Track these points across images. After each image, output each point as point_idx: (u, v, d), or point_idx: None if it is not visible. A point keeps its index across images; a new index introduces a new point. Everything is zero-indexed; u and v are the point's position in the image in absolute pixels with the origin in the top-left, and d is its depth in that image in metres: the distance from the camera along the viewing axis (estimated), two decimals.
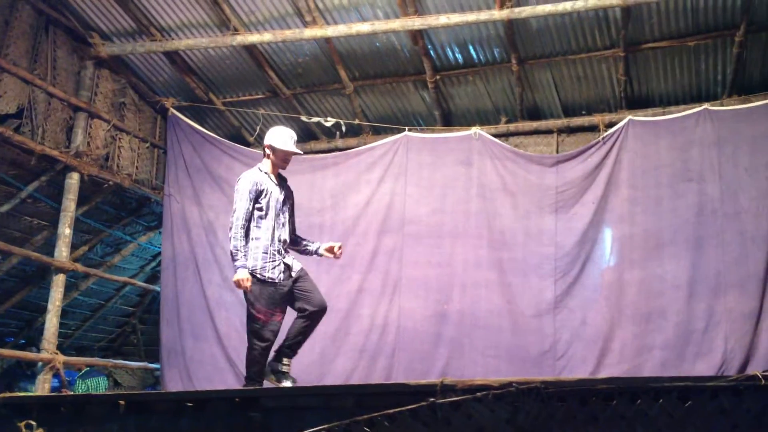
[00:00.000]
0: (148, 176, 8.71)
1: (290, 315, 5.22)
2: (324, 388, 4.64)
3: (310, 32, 7.37)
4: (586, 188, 7.43)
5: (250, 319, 5.07)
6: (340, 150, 8.50)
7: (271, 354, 5.12)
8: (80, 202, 7.88)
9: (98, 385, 8.70)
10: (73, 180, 7.63)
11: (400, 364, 7.43)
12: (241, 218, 5.06)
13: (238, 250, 5.01)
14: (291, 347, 5.13)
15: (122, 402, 3.84)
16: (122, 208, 8.96)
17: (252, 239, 5.11)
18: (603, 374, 6.80)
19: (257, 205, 5.13)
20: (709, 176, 7.09)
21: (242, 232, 5.04)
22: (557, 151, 8.02)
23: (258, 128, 8.82)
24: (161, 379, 8.20)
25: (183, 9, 7.50)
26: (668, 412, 2.98)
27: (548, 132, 8.21)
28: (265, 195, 5.16)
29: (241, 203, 5.09)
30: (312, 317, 5.15)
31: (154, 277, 10.15)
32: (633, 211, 7.25)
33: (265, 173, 5.27)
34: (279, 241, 5.19)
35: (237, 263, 5.00)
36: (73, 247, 8.01)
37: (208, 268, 8.13)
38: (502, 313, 7.34)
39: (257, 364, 5.04)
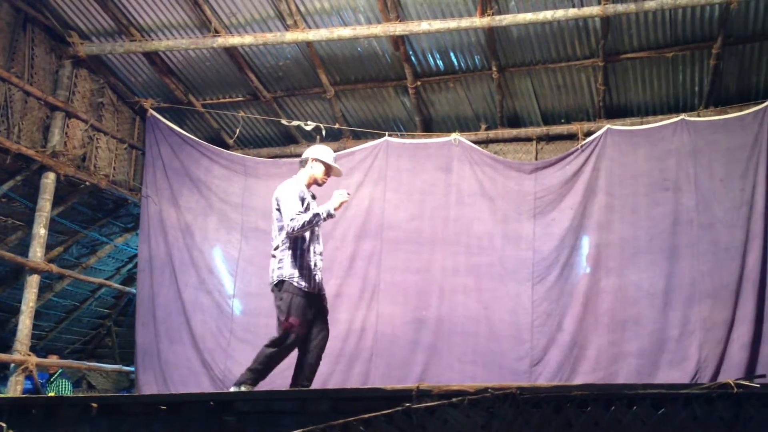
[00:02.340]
0: (126, 177, 8.63)
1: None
2: (299, 392, 4.61)
3: (291, 36, 7.35)
4: (564, 195, 7.49)
5: (281, 326, 5.03)
6: None
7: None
8: (56, 203, 7.79)
9: (64, 388, 8.59)
10: (48, 180, 7.54)
11: (377, 369, 7.43)
12: (296, 210, 5.01)
13: (314, 215, 5.01)
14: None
15: (95, 404, 3.79)
16: (99, 209, 8.87)
17: (289, 248, 5.14)
18: (578, 381, 6.84)
19: None
20: (685, 186, 7.18)
21: (301, 215, 5.01)
22: (536, 159, 8.07)
23: (237, 131, 8.78)
24: (136, 382, 8.12)
25: (163, 9, 7.46)
26: (642, 419, 3.01)
27: (527, 139, 8.25)
28: (306, 207, 5.19)
29: (297, 204, 5.07)
30: (319, 344, 5.20)
31: (130, 279, 10.06)
32: (610, 218, 7.31)
33: (304, 186, 5.34)
34: (315, 253, 5.26)
35: (326, 212, 5.04)
36: (48, 247, 7.91)
37: (185, 270, 8.08)
38: (480, 319, 7.37)
39: (265, 365, 5.00)
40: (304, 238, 5.17)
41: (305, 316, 5.08)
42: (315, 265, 5.23)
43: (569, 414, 3.03)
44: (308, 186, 5.40)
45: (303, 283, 5.10)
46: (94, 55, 7.87)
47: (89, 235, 9.05)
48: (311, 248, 5.22)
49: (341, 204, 5.14)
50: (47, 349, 9.38)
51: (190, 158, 8.38)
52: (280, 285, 5.11)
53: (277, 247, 5.20)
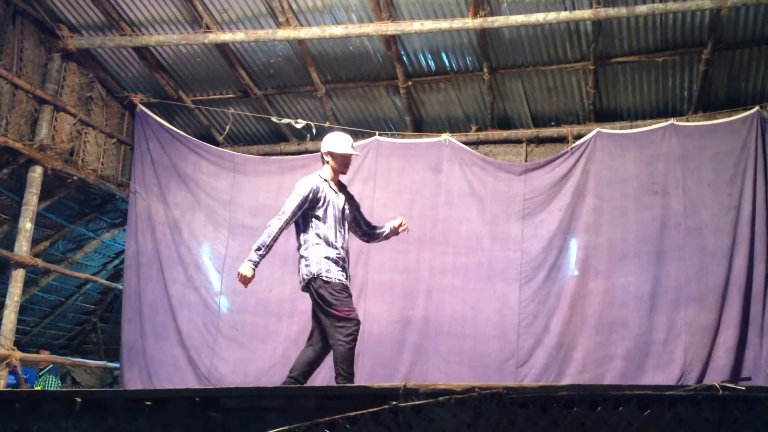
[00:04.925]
0: (114, 172, 8.58)
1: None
2: (285, 389, 4.58)
3: (283, 33, 7.34)
4: (553, 197, 7.51)
5: (333, 318, 4.95)
6: (310, 152, 8.45)
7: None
8: (43, 197, 7.74)
9: (51, 384, 8.55)
10: (36, 174, 7.50)
11: (363, 368, 7.40)
12: (285, 219, 4.99)
13: (264, 245, 4.95)
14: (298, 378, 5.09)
15: (78, 399, 3.75)
16: (86, 204, 8.82)
17: (313, 245, 5.06)
18: (565, 382, 6.85)
19: (316, 213, 5.09)
20: (673, 190, 7.21)
21: (279, 233, 4.98)
22: (526, 161, 8.09)
23: (228, 128, 8.75)
24: (120, 379, 8.07)
25: (154, 4, 7.42)
26: (627, 420, 3.01)
27: (517, 141, 8.28)
28: (323, 203, 5.10)
29: (293, 205, 5.03)
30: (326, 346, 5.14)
31: (116, 275, 10.02)
32: (598, 221, 7.34)
33: (326, 180, 5.22)
34: (341, 248, 5.15)
35: (250, 256, 4.95)
36: (34, 242, 7.87)
37: (172, 267, 8.04)
38: (466, 320, 7.37)
39: (347, 360, 4.92)
40: (327, 236, 5.07)
41: (349, 302, 5.03)
42: (342, 260, 5.13)
43: (555, 414, 3.03)
44: (333, 179, 5.28)
45: (334, 276, 5.02)
46: (83, 48, 7.83)
47: (76, 230, 9.01)
48: (334, 245, 5.10)
49: (239, 276, 4.97)
50: (36, 345, 9.35)
51: (179, 154, 8.34)
52: (311, 283, 5.03)
53: (299, 246, 5.13)
